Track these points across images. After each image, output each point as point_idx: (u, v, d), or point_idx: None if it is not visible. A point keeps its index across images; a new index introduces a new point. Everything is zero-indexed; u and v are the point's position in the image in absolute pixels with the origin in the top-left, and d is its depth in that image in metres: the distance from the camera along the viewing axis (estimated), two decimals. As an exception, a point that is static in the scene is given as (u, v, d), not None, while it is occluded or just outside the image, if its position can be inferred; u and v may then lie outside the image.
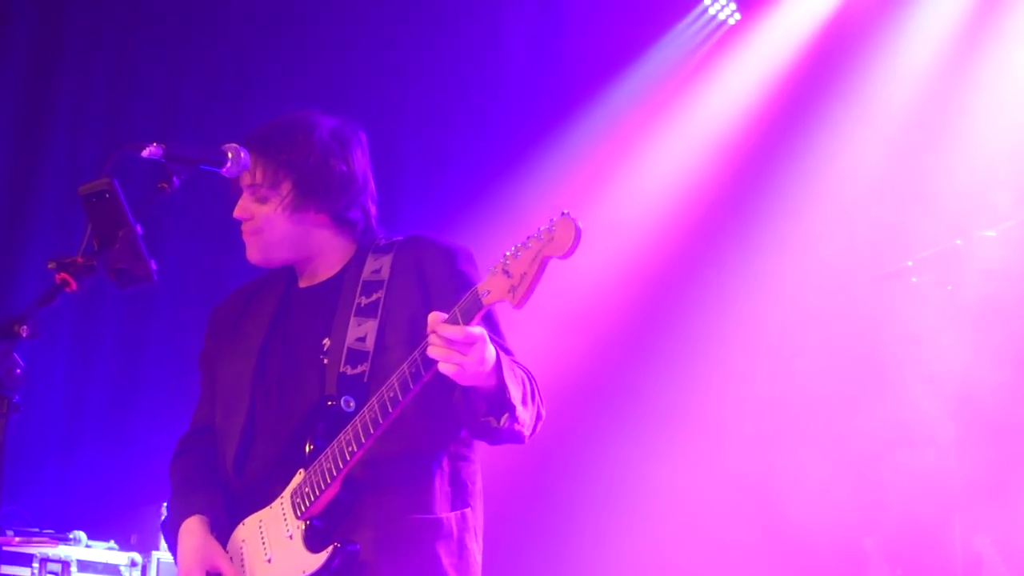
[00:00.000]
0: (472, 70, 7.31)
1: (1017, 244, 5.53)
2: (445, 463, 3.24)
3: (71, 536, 5.38)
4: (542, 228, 2.86)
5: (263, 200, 3.32)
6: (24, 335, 2.48)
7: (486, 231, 5.99)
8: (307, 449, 3.18)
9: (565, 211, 2.85)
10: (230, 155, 3.04)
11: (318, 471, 3.13)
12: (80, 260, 2.61)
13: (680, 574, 6.54)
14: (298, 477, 3.19)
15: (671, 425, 6.68)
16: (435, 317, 2.92)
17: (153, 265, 2.68)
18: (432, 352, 2.90)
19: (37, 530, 5.47)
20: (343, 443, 3.09)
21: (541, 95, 7.22)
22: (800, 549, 6.32)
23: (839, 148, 6.80)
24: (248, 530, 3.27)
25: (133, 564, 5.40)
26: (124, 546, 5.53)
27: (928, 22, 6.79)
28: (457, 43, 7.29)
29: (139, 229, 2.67)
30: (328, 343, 3.28)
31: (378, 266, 3.32)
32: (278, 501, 3.21)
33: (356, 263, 3.37)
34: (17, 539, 5.26)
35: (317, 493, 3.13)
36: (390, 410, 3.01)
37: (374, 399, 3.04)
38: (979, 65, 6.61)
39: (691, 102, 7.24)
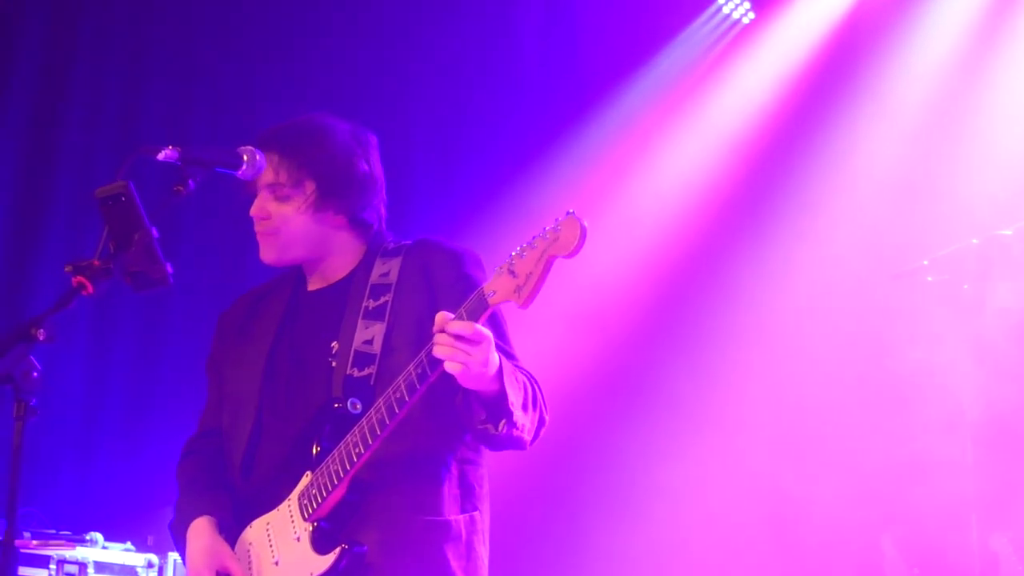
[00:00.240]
0: (486, 70, 7.30)
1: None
2: (452, 466, 3.24)
3: (88, 538, 5.38)
4: (547, 228, 2.87)
5: (284, 199, 3.32)
6: (41, 338, 2.48)
7: (500, 232, 5.98)
8: (314, 451, 3.19)
9: (570, 210, 2.85)
10: (246, 157, 3.05)
11: (325, 473, 3.13)
12: (96, 263, 2.62)
13: (694, 577, 6.53)
14: (305, 479, 3.19)
15: (684, 426, 6.65)
16: (442, 316, 2.92)
17: (169, 268, 2.69)
18: (438, 351, 2.91)
19: (54, 532, 5.48)
20: (350, 445, 3.09)
21: (555, 95, 7.20)
22: (817, 548, 6.31)
23: (854, 146, 6.77)
24: (255, 533, 3.27)
25: (150, 565, 5.39)
26: (141, 547, 5.52)
27: (943, 19, 6.76)
28: (470, 43, 7.28)
29: (155, 232, 2.68)
30: (336, 346, 3.29)
31: (386, 269, 3.33)
32: (285, 503, 3.22)
33: (365, 266, 3.37)
34: (34, 541, 5.27)
35: (324, 495, 3.13)
36: (396, 411, 3.01)
37: (381, 401, 3.05)
38: (995, 62, 6.58)
39: (705, 101, 7.22)
